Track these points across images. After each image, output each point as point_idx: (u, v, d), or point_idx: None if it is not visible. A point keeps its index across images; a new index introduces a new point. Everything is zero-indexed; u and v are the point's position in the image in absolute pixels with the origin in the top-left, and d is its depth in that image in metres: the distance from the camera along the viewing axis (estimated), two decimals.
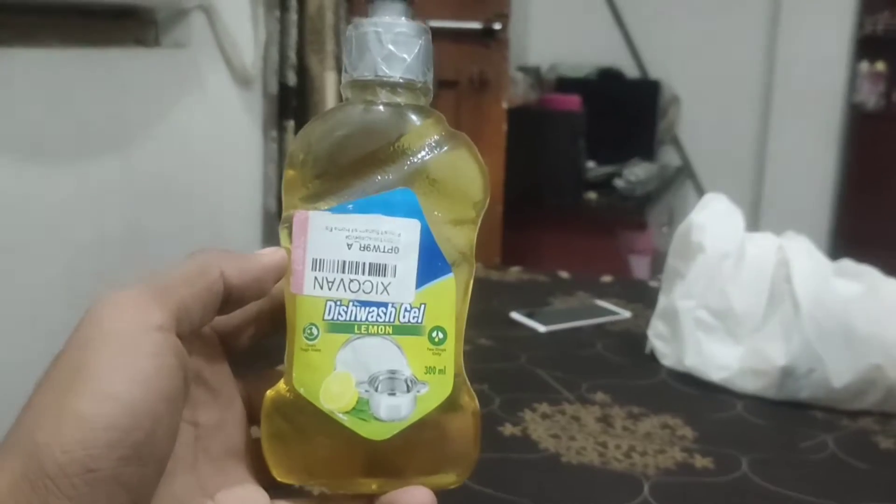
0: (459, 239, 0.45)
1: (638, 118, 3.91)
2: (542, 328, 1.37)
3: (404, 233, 0.43)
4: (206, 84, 1.54)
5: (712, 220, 1.22)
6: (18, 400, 0.36)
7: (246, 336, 0.46)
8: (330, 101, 1.74)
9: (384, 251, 0.43)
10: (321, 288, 0.43)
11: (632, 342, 1.32)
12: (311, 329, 0.43)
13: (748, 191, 4.01)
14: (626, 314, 1.45)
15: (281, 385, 0.44)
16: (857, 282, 1.13)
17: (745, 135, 4.10)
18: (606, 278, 1.68)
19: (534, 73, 3.88)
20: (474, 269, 0.46)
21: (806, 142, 3.98)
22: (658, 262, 2.90)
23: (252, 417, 0.46)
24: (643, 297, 1.50)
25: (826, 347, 1.08)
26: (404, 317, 0.43)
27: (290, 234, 0.44)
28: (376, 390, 0.42)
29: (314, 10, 1.70)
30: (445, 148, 0.45)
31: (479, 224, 0.46)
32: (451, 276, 0.44)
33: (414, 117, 0.45)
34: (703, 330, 1.17)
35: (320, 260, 0.43)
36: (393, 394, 0.43)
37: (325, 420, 0.43)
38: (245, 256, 0.43)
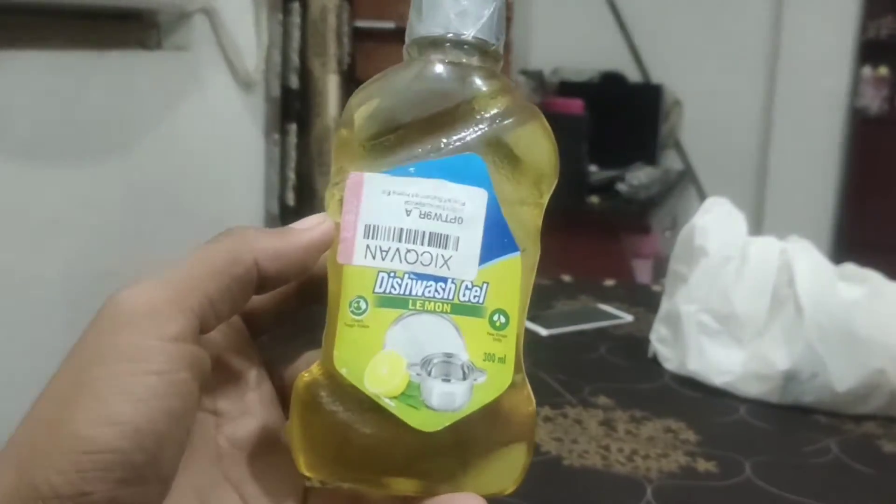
0: (527, 218, 0.41)
1: (640, 122, 3.91)
2: (544, 331, 1.37)
3: (470, 202, 0.39)
4: (208, 87, 1.55)
5: (715, 223, 1.21)
6: (19, 405, 0.35)
7: (271, 314, 0.43)
8: (332, 103, 1.75)
9: (447, 220, 0.39)
10: (373, 257, 0.39)
11: (634, 346, 1.32)
12: (358, 302, 0.39)
13: (751, 195, 4.01)
14: (628, 318, 1.45)
15: (315, 368, 0.39)
16: (860, 286, 1.12)
17: (748, 139, 4.10)
18: (609, 282, 1.68)
19: (536, 76, 3.89)
20: (538, 259, 0.42)
21: (809, 146, 3.98)
22: (661, 266, 2.90)
23: (284, 402, 0.42)
24: (646, 301, 1.50)
25: (829, 351, 1.07)
26: (464, 295, 0.39)
27: (339, 200, 0.40)
28: (429, 374, 0.38)
29: (317, 13, 1.70)
30: (518, 118, 0.41)
31: (544, 208, 0.42)
32: (517, 254, 0.40)
33: (486, 81, 0.41)
34: (706, 334, 1.17)
35: (374, 227, 0.39)
36: (448, 380, 0.38)
37: (367, 406, 0.38)
38: (284, 236, 0.39)
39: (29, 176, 1.16)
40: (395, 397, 0.38)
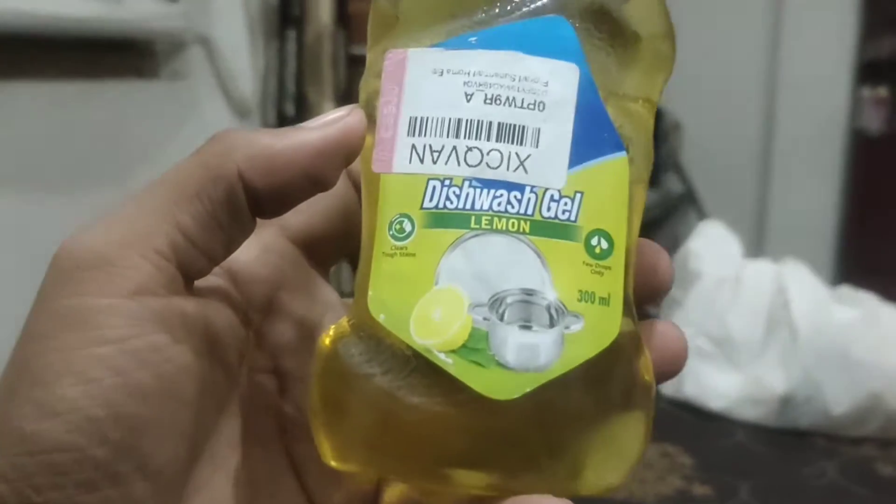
0: (635, 114, 0.30)
1: None
2: None
3: (555, 81, 0.29)
4: (204, 115, 1.55)
5: (708, 247, 1.22)
6: None
7: (339, 238, 0.32)
8: None
9: (523, 106, 0.29)
10: (421, 161, 0.28)
11: None
12: (401, 222, 0.28)
13: (752, 216, 4.01)
14: None
15: (344, 321, 0.29)
16: (855, 309, 1.13)
17: (749, 161, 4.10)
18: None
19: None
20: (650, 175, 0.32)
21: (809, 167, 3.98)
22: None
23: None
24: None
25: (825, 375, 1.07)
26: (549, 209, 0.28)
27: (375, 91, 0.30)
28: (501, 319, 0.27)
29: (312, 40, 1.71)
30: None
31: (655, 111, 0.32)
32: (623, 155, 0.29)
33: None
34: (702, 358, 1.17)
35: (422, 119, 0.29)
36: (528, 326, 0.27)
37: (415, 367, 0.27)
38: (285, 136, 0.28)
39: (26, 207, 1.17)
40: (453, 351, 0.27)
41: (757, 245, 3.35)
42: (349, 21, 1.78)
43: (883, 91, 4.07)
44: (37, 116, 1.19)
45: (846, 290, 1.18)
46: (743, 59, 4.04)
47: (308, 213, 0.32)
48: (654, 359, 0.30)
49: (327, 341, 0.29)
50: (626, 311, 0.28)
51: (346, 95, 1.79)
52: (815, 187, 3.99)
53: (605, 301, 0.28)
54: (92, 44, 1.30)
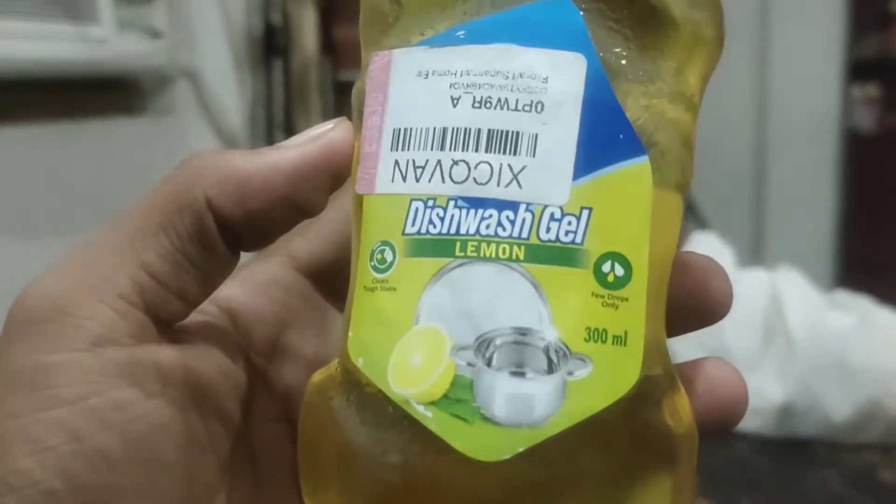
0: (661, 111, 0.25)
1: None
2: None
3: (556, 75, 0.24)
4: (193, 149, 1.55)
5: None
6: None
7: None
8: None
9: (516, 108, 0.24)
10: (403, 179, 0.24)
11: None
12: (382, 251, 0.24)
13: (749, 220, 4.01)
14: None
15: (334, 362, 0.26)
16: (851, 314, 1.12)
17: (743, 165, 4.10)
18: None
19: None
20: (688, 182, 0.26)
21: (804, 168, 3.98)
22: None
23: None
24: None
25: (823, 382, 1.07)
26: (549, 230, 0.23)
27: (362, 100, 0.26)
28: (488, 364, 0.23)
29: (298, 68, 1.71)
30: None
31: (699, 108, 0.27)
32: (644, 160, 0.24)
33: None
34: None
35: (405, 131, 0.25)
36: (520, 372, 0.23)
37: (394, 418, 0.23)
38: (259, 157, 0.25)
39: (14, 251, 1.17)
40: (433, 403, 0.23)
41: (756, 248, 3.35)
42: (335, 47, 1.79)
43: (873, 90, 4.07)
44: (22, 160, 1.19)
45: (841, 295, 1.18)
46: (732, 63, 4.05)
47: (317, 239, 0.29)
48: (702, 407, 0.26)
49: (314, 387, 0.26)
50: (653, 349, 0.24)
51: None
52: (812, 188, 3.99)
53: (620, 340, 0.23)
54: (75, 83, 1.30)
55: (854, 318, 1.11)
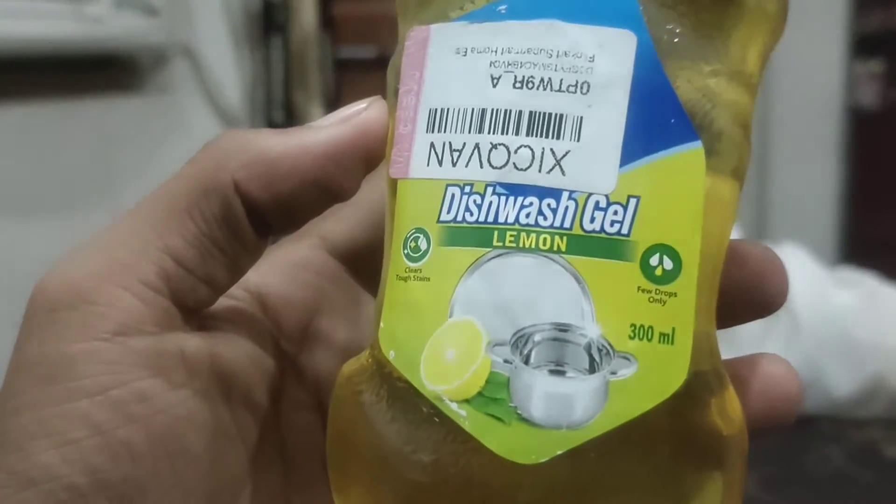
0: (717, 92, 0.23)
1: None
2: None
3: (603, 54, 0.22)
4: (192, 127, 1.55)
5: None
6: None
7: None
8: None
9: (560, 89, 0.22)
10: (439, 163, 0.23)
11: None
12: (416, 239, 0.23)
13: (754, 197, 4.00)
14: None
15: (366, 352, 0.25)
16: (854, 290, 1.12)
17: None
18: None
19: None
20: (745, 168, 0.26)
21: (808, 145, 3.97)
22: None
23: None
24: None
25: (827, 358, 1.06)
26: (593, 220, 0.22)
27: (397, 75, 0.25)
28: (526, 362, 0.22)
29: (298, 45, 1.70)
30: None
31: (756, 91, 0.25)
32: (697, 145, 0.23)
33: None
34: None
35: (442, 111, 0.23)
36: (560, 371, 0.22)
37: (426, 415, 0.22)
38: (289, 137, 0.25)
39: (12, 232, 1.16)
40: (466, 401, 0.22)
41: (760, 224, 3.35)
42: (334, 24, 1.77)
43: (876, 65, 4.05)
44: (18, 139, 1.18)
45: (845, 272, 1.17)
46: None
47: (352, 222, 0.28)
48: (755, 407, 0.25)
49: (344, 379, 0.25)
50: (702, 346, 0.23)
51: (335, 100, 1.78)
52: (816, 164, 3.98)
53: (667, 338, 0.22)
54: (73, 62, 1.29)
55: (858, 295, 1.11)
